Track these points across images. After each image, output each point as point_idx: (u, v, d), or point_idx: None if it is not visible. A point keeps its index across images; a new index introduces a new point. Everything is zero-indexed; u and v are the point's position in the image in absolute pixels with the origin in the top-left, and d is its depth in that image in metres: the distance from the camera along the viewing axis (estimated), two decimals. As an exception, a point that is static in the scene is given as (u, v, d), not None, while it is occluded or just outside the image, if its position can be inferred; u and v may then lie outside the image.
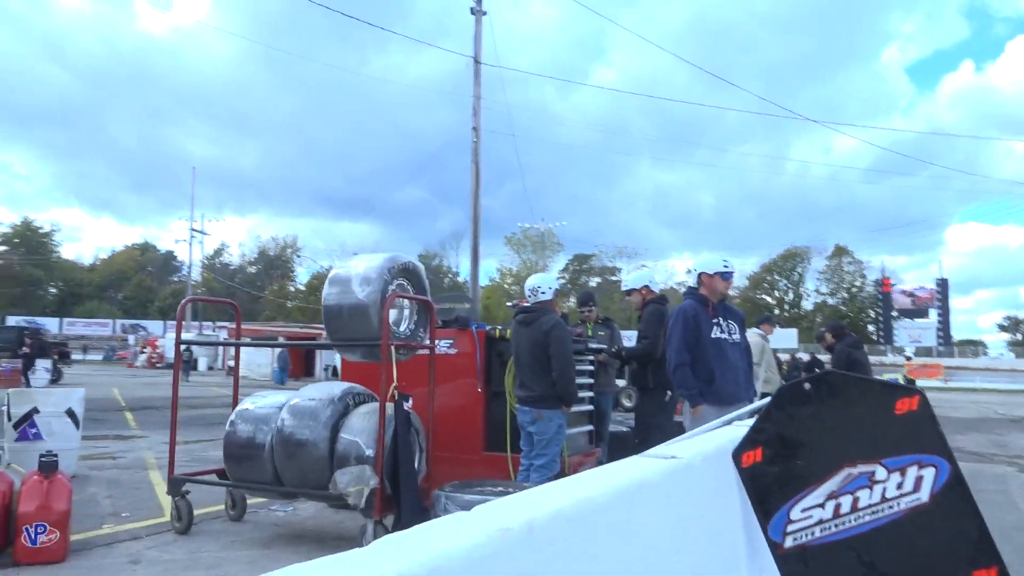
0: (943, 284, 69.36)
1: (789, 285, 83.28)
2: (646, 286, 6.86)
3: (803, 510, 2.80)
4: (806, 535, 2.78)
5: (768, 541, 2.82)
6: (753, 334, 10.11)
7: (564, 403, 5.72)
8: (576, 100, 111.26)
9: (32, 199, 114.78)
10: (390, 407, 5.32)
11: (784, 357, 24.55)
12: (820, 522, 2.77)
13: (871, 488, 2.74)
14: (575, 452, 6.46)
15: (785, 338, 56.16)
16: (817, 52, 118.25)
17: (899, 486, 2.72)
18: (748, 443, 3.00)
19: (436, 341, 6.58)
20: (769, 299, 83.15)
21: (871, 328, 74.59)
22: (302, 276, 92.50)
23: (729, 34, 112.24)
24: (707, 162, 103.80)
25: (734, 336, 5.41)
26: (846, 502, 2.75)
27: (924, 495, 2.69)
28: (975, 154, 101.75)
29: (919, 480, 2.71)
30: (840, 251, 79.85)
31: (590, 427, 7.05)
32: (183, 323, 7.63)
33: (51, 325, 69.92)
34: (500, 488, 5.07)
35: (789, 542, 2.79)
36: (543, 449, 5.70)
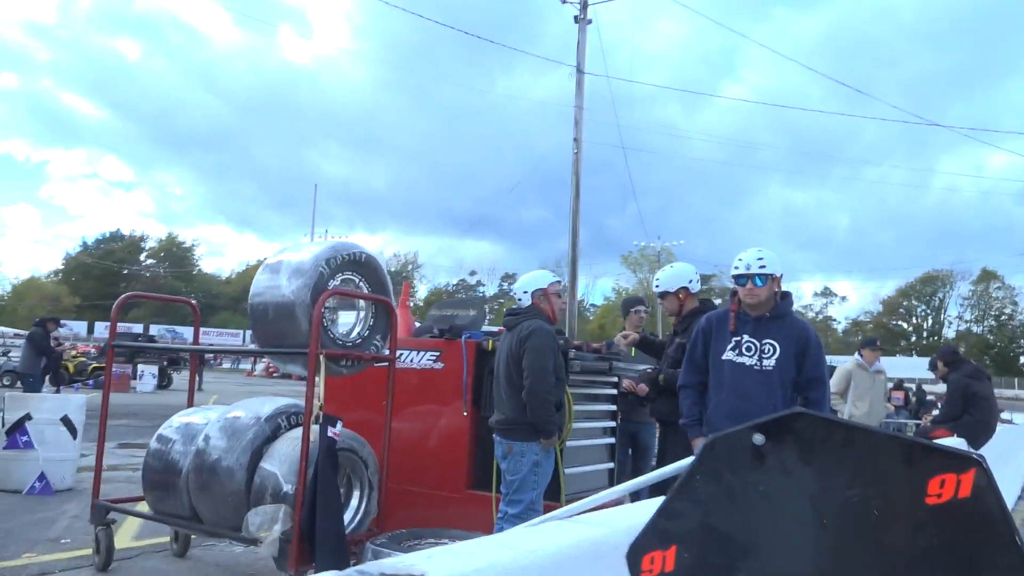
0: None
1: (928, 311, 77.14)
2: (684, 288, 5.19)
3: None
4: None
5: None
6: (851, 362, 8.47)
7: (538, 433, 4.49)
8: (704, 118, 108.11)
9: (183, 216, 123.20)
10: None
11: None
12: None
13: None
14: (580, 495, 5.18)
15: (917, 368, 51.56)
16: (968, 64, 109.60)
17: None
18: (653, 537, 1.75)
19: (420, 353, 5.49)
20: (905, 326, 77.39)
21: None
22: (421, 292, 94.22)
23: (869, 47, 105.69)
24: (843, 181, 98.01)
25: (765, 361, 4.02)
26: None
27: None
28: None
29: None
30: (987, 275, 73.19)
31: (610, 465, 5.74)
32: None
33: (187, 334, 73.78)
34: (452, 539, 3.90)
35: None
36: (515, 493, 4.48)
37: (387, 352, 4.78)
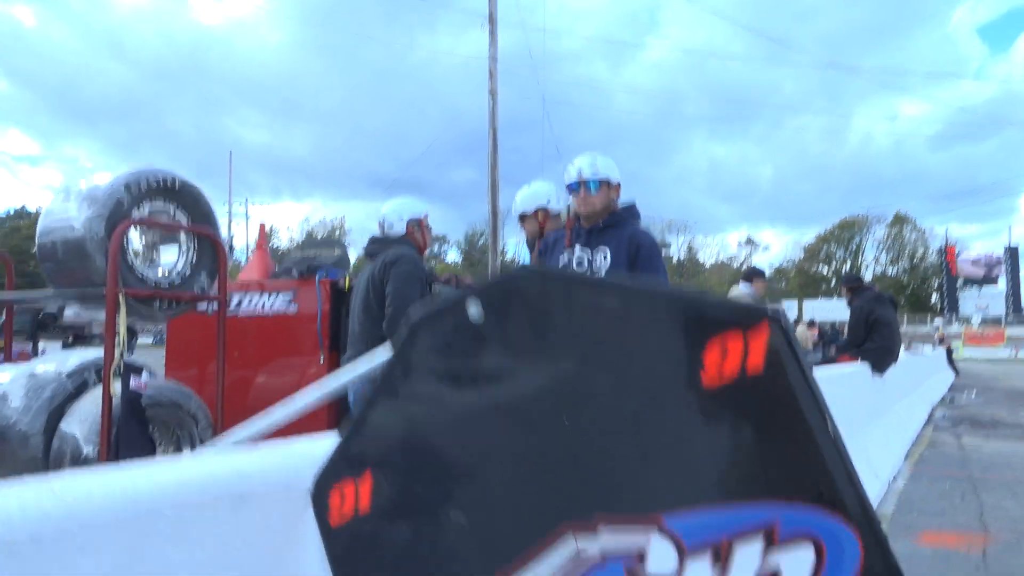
0: (1013, 251, 64.91)
1: (847, 255, 79.44)
2: (541, 208, 4.56)
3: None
4: None
5: None
6: (744, 291, 8.18)
7: None
8: (629, 74, 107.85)
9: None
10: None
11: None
12: None
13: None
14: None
15: (837, 310, 53.12)
16: (881, 17, 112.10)
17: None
18: (343, 463, 1.24)
19: (272, 296, 4.89)
20: (826, 271, 79.52)
21: (935, 298, 70.59)
22: (351, 256, 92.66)
23: (787, 1, 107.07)
24: (765, 133, 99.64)
25: (597, 272, 3.55)
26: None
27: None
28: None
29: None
30: (900, 219, 75.77)
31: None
32: None
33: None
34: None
35: None
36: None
37: (215, 292, 4.15)
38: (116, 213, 3.64)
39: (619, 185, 3.73)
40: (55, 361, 4.03)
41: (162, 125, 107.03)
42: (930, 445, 8.39)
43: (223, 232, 4.55)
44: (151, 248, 4.15)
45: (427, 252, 4.55)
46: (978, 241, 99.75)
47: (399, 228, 4.33)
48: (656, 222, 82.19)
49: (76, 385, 3.84)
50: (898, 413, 8.18)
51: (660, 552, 0.93)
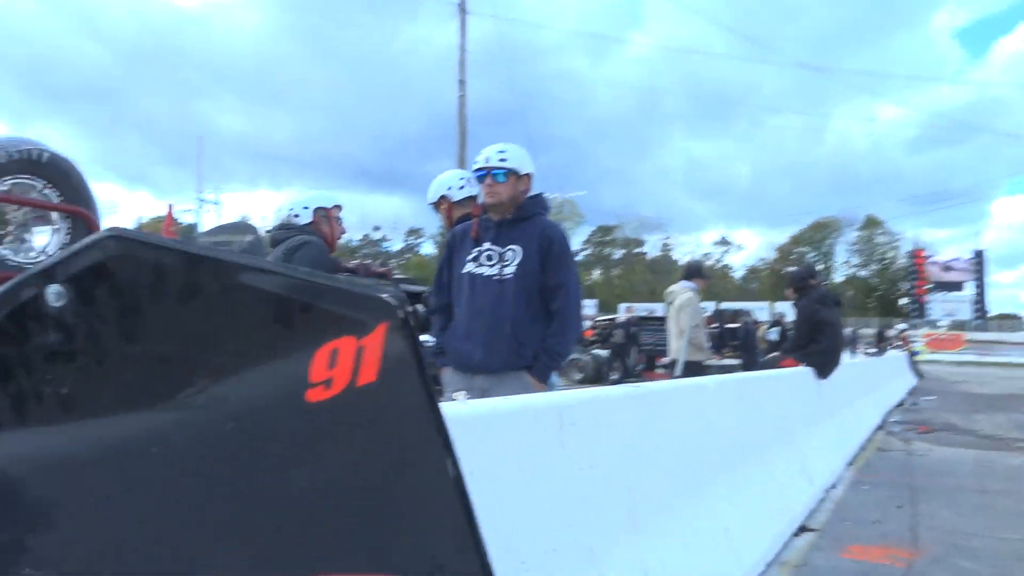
0: (979, 255, 65.70)
1: (818, 257, 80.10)
2: (444, 196, 4.19)
3: None
4: None
5: None
6: (683, 287, 7.98)
7: None
8: (609, 70, 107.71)
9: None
10: None
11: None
12: None
13: None
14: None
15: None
16: (862, 19, 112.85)
17: None
18: None
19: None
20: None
21: (904, 301, 71.36)
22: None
23: (769, 1, 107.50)
24: (743, 133, 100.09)
25: (506, 269, 3.34)
26: None
27: None
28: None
29: None
30: (872, 222, 76.64)
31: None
32: None
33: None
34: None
35: None
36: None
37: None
38: (-32, 187, 3.31)
39: (529, 176, 3.51)
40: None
41: (137, 108, 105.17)
42: (879, 450, 8.24)
43: (193, 218, 4.23)
44: (21, 228, 3.82)
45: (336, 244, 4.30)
46: (950, 246, 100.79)
47: (305, 217, 4.13)
48: (629, 219, 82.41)
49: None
50: (846, 418, 8.01)
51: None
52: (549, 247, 3.36)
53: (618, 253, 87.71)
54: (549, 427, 2.38)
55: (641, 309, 34.63)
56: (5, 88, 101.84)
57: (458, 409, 2.02)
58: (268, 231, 4.24)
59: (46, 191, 3.67)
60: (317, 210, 4.16)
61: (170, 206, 5.07)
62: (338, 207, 4.28)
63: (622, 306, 54.18)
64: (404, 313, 0.62)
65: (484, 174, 3.40)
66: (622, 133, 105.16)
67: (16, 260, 3.57)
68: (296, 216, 4.14)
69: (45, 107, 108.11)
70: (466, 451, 2.02)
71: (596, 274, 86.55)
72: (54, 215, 3.77)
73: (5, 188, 3.50)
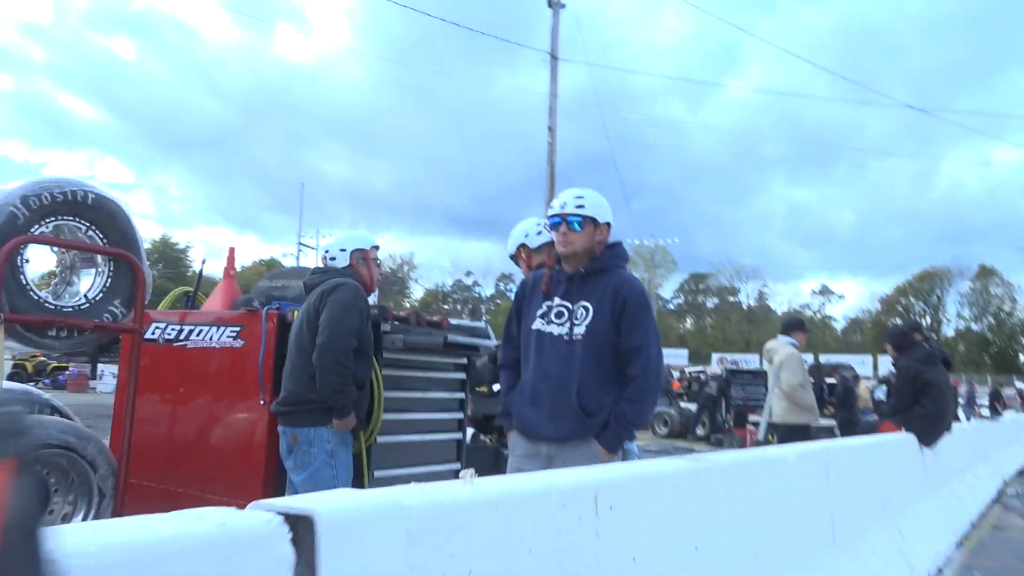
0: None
1: (926, 309, 75.94)
2: (522, 245, 3.98)
3: None
4: None
5: None
6: (783, 343, 7.40)
7: (332, 409, 3.60)
8: (706, 114, 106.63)
9: (182, 218, 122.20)
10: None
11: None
12: None
13: None
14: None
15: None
16: (976, 56, 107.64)
17: None
18: None
19: (220, 329, 4.47)
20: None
21: (1023, 357, 66.70)
22: (416, 292, 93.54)
23: (875, 40, 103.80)
24: (846, 178, 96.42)
25: (576, 328, 3.05)
26: None
27: None
28: None
29: None
30: (986, 272, 72.10)
31: (455, 466, 4.70)
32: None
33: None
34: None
35: None
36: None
37: (129, 322, 3.72)
38: (8, 229, 3.26)
39: (608, 226, 3.21)
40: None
41: (249, 157, 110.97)
42: (994, 528, 7.39)
43: (294, 262, 4.22)
44: (68, 270, 3.77)
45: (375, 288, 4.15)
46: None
47: (342, 260, 4.00)
48: (724, 266, 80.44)
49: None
50: (955, 491, 7.22)
51: None
52: (624, 305, 3.06)
53: (712, 301, 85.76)
54: (581, 512, 2.03)
55: (735, 361, 33.49)
56: (133, 139, 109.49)
57: (459, 492, 1.72)
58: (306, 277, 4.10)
59: (90, 233, 3.61)
60: (354, 252, 4.03)
61: (231, 249, 5.05)
62: (375, 248, 4.15)
63: (715, 356, 52.41)
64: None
65: (559, 221, 3.13)
66: (719, 179, 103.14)
67: (54, 303, 3.49)
68: (333, 259, 4.03)
69: (166, 156, 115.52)
70: (466, 545, 1.68)
71: (688, 323, 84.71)
72: (99, 257, 3.70)
73: (47, 230, 3.45)
